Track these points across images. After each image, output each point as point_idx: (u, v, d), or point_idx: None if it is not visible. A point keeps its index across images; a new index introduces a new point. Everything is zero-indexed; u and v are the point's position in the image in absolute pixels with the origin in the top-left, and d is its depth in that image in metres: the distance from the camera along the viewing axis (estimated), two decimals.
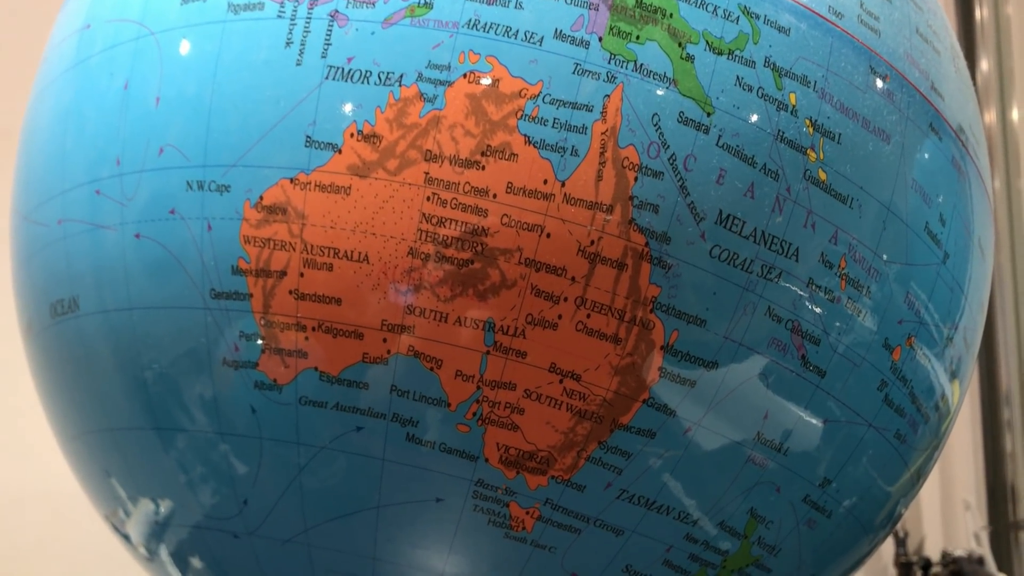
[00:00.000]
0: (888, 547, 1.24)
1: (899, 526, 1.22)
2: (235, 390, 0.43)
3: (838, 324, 0.43)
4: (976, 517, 1.17)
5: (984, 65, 1.41)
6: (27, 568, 1.14)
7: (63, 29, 0.52)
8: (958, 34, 1.40)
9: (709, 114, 0.40)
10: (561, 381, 0.40)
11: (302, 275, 0.40)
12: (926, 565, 1.18)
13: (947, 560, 1.15)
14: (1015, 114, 1.37)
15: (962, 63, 0.54)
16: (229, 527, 0.46)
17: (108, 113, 0.45)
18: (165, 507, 0.51)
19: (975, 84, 1.43)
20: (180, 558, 0.53)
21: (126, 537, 0.58)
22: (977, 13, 1.43)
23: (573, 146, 0.39)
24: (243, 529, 0.46)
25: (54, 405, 0.55)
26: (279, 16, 0.41)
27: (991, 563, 1.05)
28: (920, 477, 0.58)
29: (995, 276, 1.29)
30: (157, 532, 0.53)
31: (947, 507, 1.35)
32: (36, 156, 0.50)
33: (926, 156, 0.47)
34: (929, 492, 1.31)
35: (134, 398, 0.48)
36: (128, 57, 0.45)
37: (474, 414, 0.40)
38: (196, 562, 0.53)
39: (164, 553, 0.54)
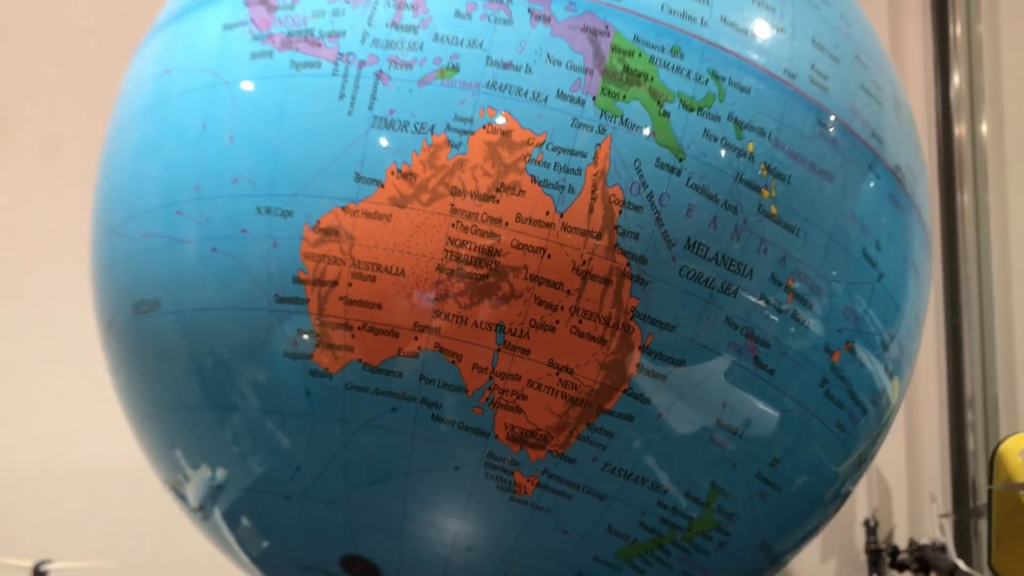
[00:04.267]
0: (860, 536, 1.34)
1: (870, 517, 1.32)
2: (292, 377, 0.52)
3: (786, 331, 0.53)
4: (941, 509, 1.27)
5: (956, 80, 1.50)
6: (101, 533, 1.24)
7: (142, 71, 0.62)
8: (934, 50, 1.48)
9: (681, 160, 0.50)
10: (557, 374, 0.50)
11: (350, 285, 0.50)
12: (894, 552, 1.28)
13: (913, 548, 1.25)
14: (984, 128, 1.46)
15: (905, 110, 0.64)
16: (282, 490, 0.56)
17: (187, 147, 0.55)
18: (221, 474, 0.60)
19: (948, 98, 1.50)
20: (231, 517, 0.63)
21: (184, 499, 0.67)
22: (951, 30, 1.52)
23: (570, 185, 0.49)
24: (294, 492, 0.55)
25: (129, 390, 0.65)
26: (334, 74, 0.51)
27: (952, 550, 1.14)
28: (864, 461, 0.67)
29: (962, 288, 1.39)
30: (212, 495, 0.63)
31: (915, 500, 1.44)
32: (120, 180, 0.60)
33: (865, 192, 0.56)
34: (898, 486, 1.40)
35: (198, 383, 0.58)
36: (205, 101, 0.55)
37: (486, 399, 0.50)
38: (245, 520, 0.63)
39: (217, 513, 0.64)
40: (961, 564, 1.04)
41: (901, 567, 1.24)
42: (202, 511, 0.66)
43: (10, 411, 1.30)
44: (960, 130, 1.46)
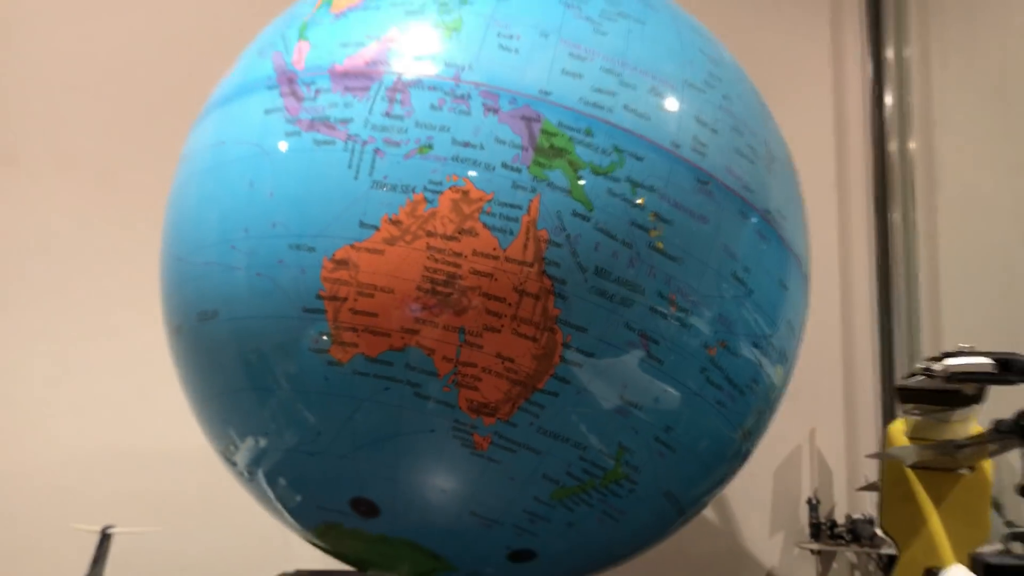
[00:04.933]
0: (804, 512, 1.52)
1: (812, 496, 1.51)
2: (314, 366, 0.72)
3: (670, 332, 0.72)
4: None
5: (888, 100, 1.64)
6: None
7: (201, 141, 0.82)
8: (872, 73, 1.64)
9: (590, 211, 0.70)
10: (503, 363, 0.70)
11: (356, 300, 0.70)
12: (832, 525, 1.46)
13: (848, 521, 1.43)
14: (912, 144, 1.62)
15: (778, 165, 0.83)
16: (307, 449, 0.76)
17: (239, 200, 0.75)
18: (263, 442, 0.80)
19: (882, 117, 1.65)
20: (271, 476, 0.84)
21: (235, 465, 0.87)
22: (884, 53, 1.65)
23: (511, 229, 0.69)
24: (316, 450, 0.75)
25: (191, 378, 0.85)
26: (344, 149, 0.71)
27: (877, 520, 1.33)
28: (753, 433, 0.86)
29: (892, 296, 1.57)
30: (256, 459, 0.83)
31: (853, 482, 1.61)
32: (186, 222, 0.81)
33: (736, 230, 0.76)
34: (839, 470, 1.57)
35: (244, 372, 0.78)
36: (251, 166, 0.75)
37: (452, 381, 0.70)
38: (279, 476, 0.83)
39: (260, 474, 0.84)
40: (879, 531, 1.23)
41: (837, 537, 1.43)
42: (248, 473, 0.86)
43: (81, 402, 1.48)
44: (892, 146, 1.61)
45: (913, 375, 0.75)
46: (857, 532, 1.39)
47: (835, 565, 1.55)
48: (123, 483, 1.42)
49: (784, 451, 1.57)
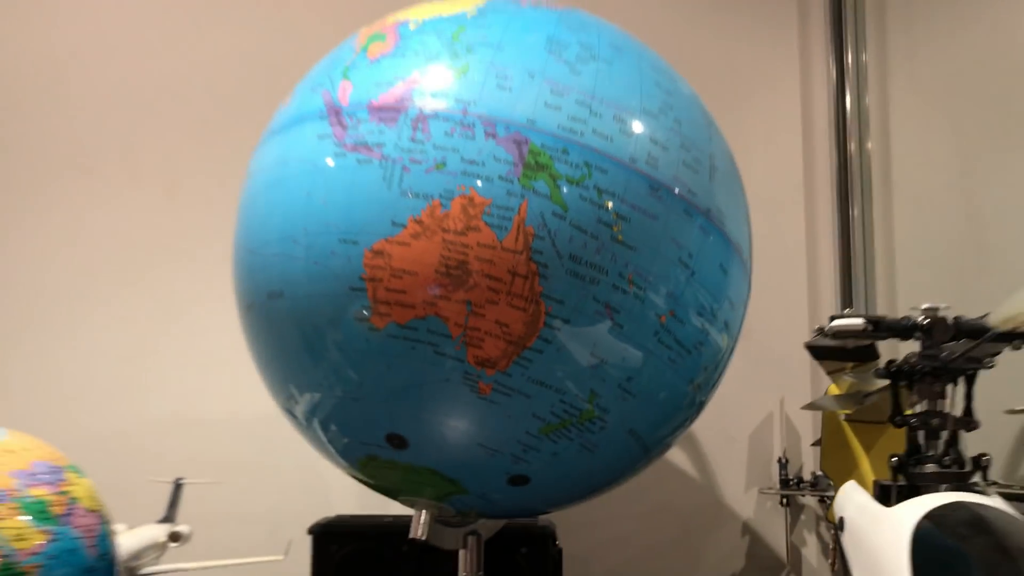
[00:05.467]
0: (775, 470, 1.71)
1: (782, 456, 1.71)
2: (359, 332, 0.94)
3: (628, 304, 0.94)
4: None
5: (848, 102, 1.76)
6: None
7: (266, 159, 1.04)
8: (835, 75, 1.78)
9: (566, 211, 0.91)
10: (500, 327, 0.91)
11: (389, 281, 0.92)
12: (799, 481, 1.66)
13: (813, 478, 1.64)
14: (870, 144, 1.77)
15: (720, 174, 1.04)
16: (352, 397, 0.98)
17: (298, 206, 0.97)
18: (317, 395, 1.02)
19: (844, 118, 1.81)
20: (324, 422, 1.05)
21: (295, 416, 1.09)
22: (845, 58, 1.77)
23: (505, 226, 0.90)
24: (359, 397, 0.97)
25: (260, 346, 1.07)
26: (379, 167, 0.93)
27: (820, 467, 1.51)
28: (703, 388, 1.07)
29: (852, 283, 1.75)
30: (311, 409, 1.05)
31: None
32: (257, 222, 1.02)
33: (681, 225, 0.97)
34: (805, 433, 1.72)
35: (302, 339, 1.00)
36: (308, 180, 0.97)
37: (463, 342, 0.92)
38: (333, 425, 1.05)
39: (315, 421, 1.06)
40: (819, 471, 1.43)
41: (804, 491, 1.64)
42: (306, 421, 1.08)
43: (153, 377, 1.70)
44: (853, 146, 1.75)
45: (815, 334, 0.96)
46: (819, 484, 1.59)
47: (803, 517, 1.75)
48: (190, 445, 1.63)
49: (758, 417, 1.75)
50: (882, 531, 0.72)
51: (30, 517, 0.89)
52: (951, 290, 1.57)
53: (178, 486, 1.48)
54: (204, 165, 1.73)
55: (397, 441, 0.99)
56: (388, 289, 0.92)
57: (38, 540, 0.89)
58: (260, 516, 1.62)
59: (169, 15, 1.79)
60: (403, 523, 1.37)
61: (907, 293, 1.70)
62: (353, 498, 1.63)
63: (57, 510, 0.92)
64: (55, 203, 1.73)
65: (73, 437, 1.42)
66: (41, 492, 0.92)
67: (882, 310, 1.70)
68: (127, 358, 1.68)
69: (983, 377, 0.82)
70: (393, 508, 1.51)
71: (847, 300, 1.72)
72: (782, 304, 1.76)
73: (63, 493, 0.94)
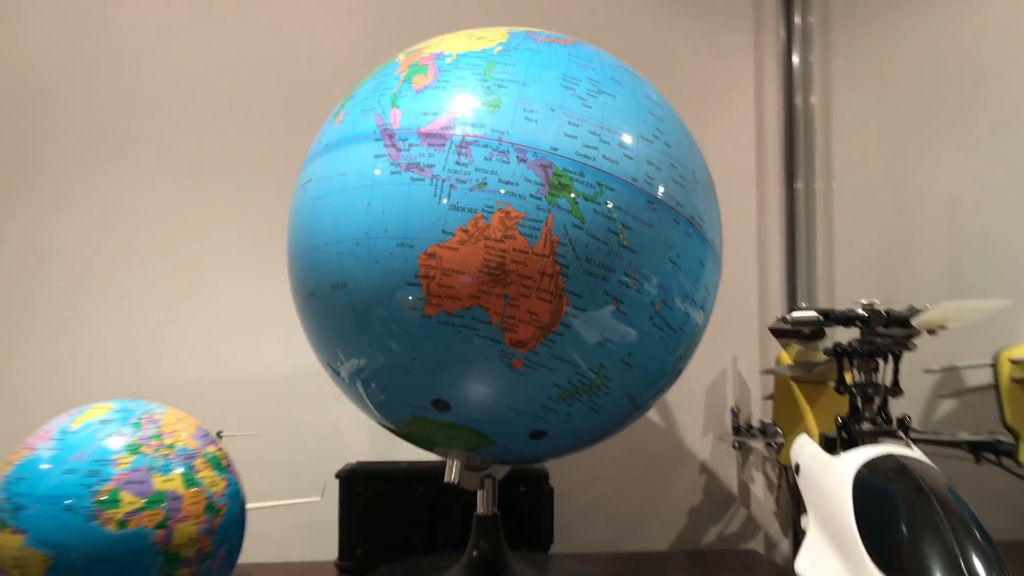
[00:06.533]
0: (728, 418, 1.94)
1: (734, 406, 1.96)
2: (414, 319, 1.14)
3: (630, 295, 1.16)
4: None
5: (799, 99, 1.94)
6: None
7: (326, 170, 1.23)
8: (782, 76, 1.98)
9: (583, 223, 1.13)
10: (531, 316, 1.13)
11: (440, 278, 1.12)
12: (748, 427, 1.90)
13: (760, 425, 1.88)
14: (818, 137, 1.92)
15: (701, 186, 1.26)
16: (406, 369, 1.19)
17: (360, 213, 1.16)
18: (357, 360, 1.22)
19: (793, 113, 2.05)
20: (365, 382, 1.25)
21: (338, 375, 1.30)
22: (793, 59, 1.96)
23: (535, 235, 1.12)
24: (412, 369, 1.18)
25: (318, 328, 1.27)
26: (431, 184, 1.13)
27: (773, 419, 1.77)
28: (684, 356, 1.31)
29: (796, 255, 1.98)
30: (351, 370, 1.25)
31: (764, 395, 2.04)
32: (321, 224, 1.21)
33: (671, 231, 1.19)
34: (754, 387, 1.95)
35: (354, 323, 1.20)
36: (368, 191, 1.17)
37: (500, 327, 1.14)
38: (370, 385, 1.25)
39: (358, 381, 1.27)
40: (772, 422, 1.68)
41: (753, 436, 1.88)
42: (349, 381, 1.29)
43: (186, 341, 1.86)
44: (799, 138, 1.96)
45: (778, 321, 1.20)
46: (765, 431, 1.84)
47: (752, 458, 2.00)
48: (218, 402, 1.80)
49: (713, 373, 1.96)
50: (830, 475, 0.90)
51: (213, 468, 1.10)
52: (879, 262, 1.78)
53: (219, 435, 1.66)
54: (225, 149, 1.88)
55: (441, 405, 1.21)
56: (439, 284, 1.11)
57: (221, 485, 1.10)
58: (283, 464, 1.80)
59: (192, 16, 1.92)
60: (418, 468, 1.61)
61: (843, 265, 1.91)
62: (365, 447, 1.84)
63: (223, 462, 1.13)
64: (92, 186, 1.87)
65: (115, 394, 1.60)
66: (211, 449, 1.13)
67: (822, 287, 1.93)
68: (160, 325, 1.83)
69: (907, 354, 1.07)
70: (402, 455, 1.74)
71: (791, 275, 1.95)
72: (735, 276, 1.99)
73: (220, 449, 1.15)
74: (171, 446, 1.04)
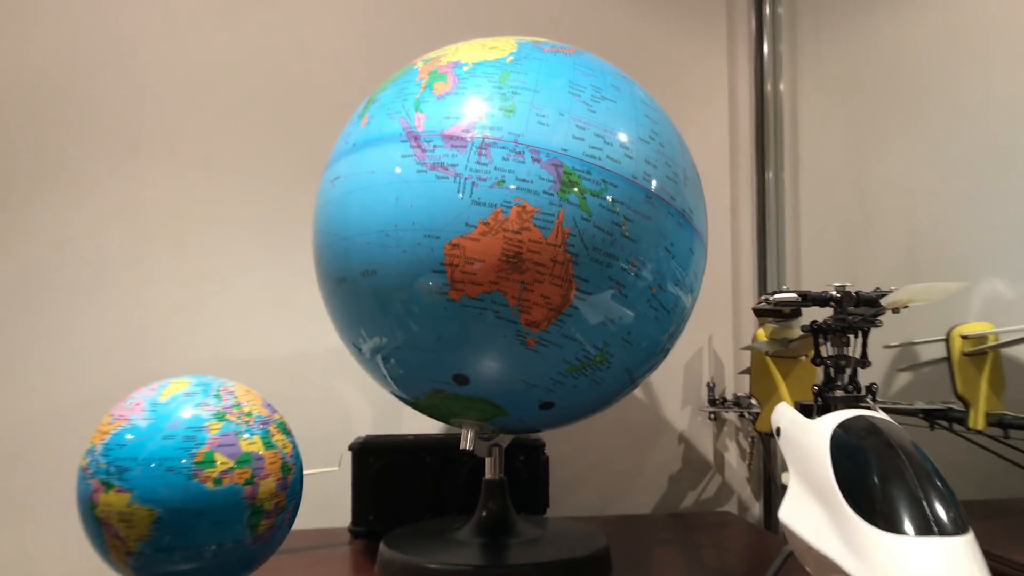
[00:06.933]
0: (704, 392, 2.08)
1: (710, 380, 2.11)
2: (439, 303, 1.26)
3: (630, 280, 1.30)
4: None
5: (768, 87, 2.04)
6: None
7: (355, 168, 1.35)
8: (753, 66, 2.09)
9: (590, 215, 1.26)
10: (544, 299, 1.27)
11: (464, 266, 1.25)
12: (723, 401, 2.04)
13: (734, 398, 2.04)
14: (786, 125, 2.02)
15: (691, 182, 1.40)
16: (430, 348, 1.32)
17: (389, 208, 1.29)
18: (384, 340, 1.35)
19: (763, 102, 2.20)
20: (386, 359, 1.37)
21: (360, 351, 1.42)
22: (764, 49, 2.07)
23: (548, 227, 1.25)
24: (435, 348, 1.31)
25: (345, 312, 1.39)
26: (454, 182, 1.26)
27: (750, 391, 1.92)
28: (674, 336, 1.46)
29: (767, 240, 2.13)
30: (376, 349, 1.37)
31: (738, 370, 2.15)
32: (350, 218, 1.32)
33: (666, 223, 1.34)
34: (728, 363, 2.08)
35: (379, 308, 1.32)
36: (396, 188, 1.29)
37: (517, 309, 1.27)
38: (393, 361, 1.38)
39: (379, 358, 1.39)
40: (748, 394, 1.83)
41: (727, 408, 2.03)
42: (371, 357, 1.42)
43: (201, 326, 1.94)
44: (769, 129, 2.07)
45: (760, 302, 1.35)
46: (739, 403, 1.99)
47: (725, 429, 2.14)
48: (236, 382, 1.91)
49: (691, 351, 2.08)
50: (809, 436, 0.99)
51: (283, 433, 1.23)
52: (842, 246, 1.89)
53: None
54: (235, 141, 1.97)
55: (461, 379, 1.34)
56: (463, 271, 1.23)
57: (289, 448, 1.23)
58: (299, 435, 1.91)
59: (204, 16, 1.99)
60: (424, 440, 1.74)
61: (809, 250, 2.06)
62: (370, 421, 1.96)
63: (287, 427, 1.26)
64: (109, 178, 1.94)
65: (137, 375, 1.69)
66: (278, 416, 1.25)
67: (790, 271, 2.08)
68: (176, 310, 1.92)
69: (874, 330, 1.22)
70: (405, 428, 1.87)
71: (762, 260, 2.09)
72: (713, 262, 2.13)
73: (281, 416, 1.28)
74: (249, 414, 1.17)
